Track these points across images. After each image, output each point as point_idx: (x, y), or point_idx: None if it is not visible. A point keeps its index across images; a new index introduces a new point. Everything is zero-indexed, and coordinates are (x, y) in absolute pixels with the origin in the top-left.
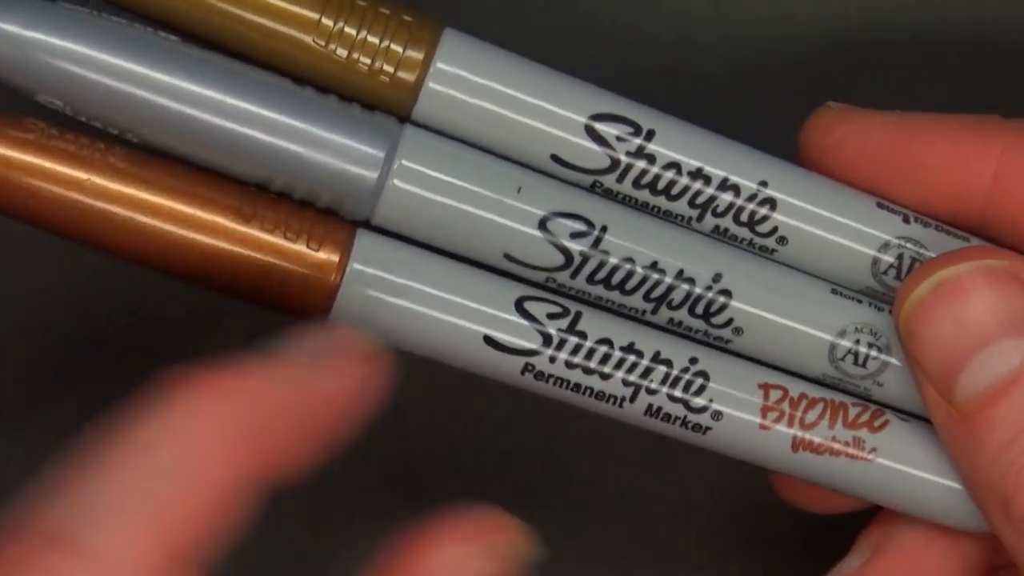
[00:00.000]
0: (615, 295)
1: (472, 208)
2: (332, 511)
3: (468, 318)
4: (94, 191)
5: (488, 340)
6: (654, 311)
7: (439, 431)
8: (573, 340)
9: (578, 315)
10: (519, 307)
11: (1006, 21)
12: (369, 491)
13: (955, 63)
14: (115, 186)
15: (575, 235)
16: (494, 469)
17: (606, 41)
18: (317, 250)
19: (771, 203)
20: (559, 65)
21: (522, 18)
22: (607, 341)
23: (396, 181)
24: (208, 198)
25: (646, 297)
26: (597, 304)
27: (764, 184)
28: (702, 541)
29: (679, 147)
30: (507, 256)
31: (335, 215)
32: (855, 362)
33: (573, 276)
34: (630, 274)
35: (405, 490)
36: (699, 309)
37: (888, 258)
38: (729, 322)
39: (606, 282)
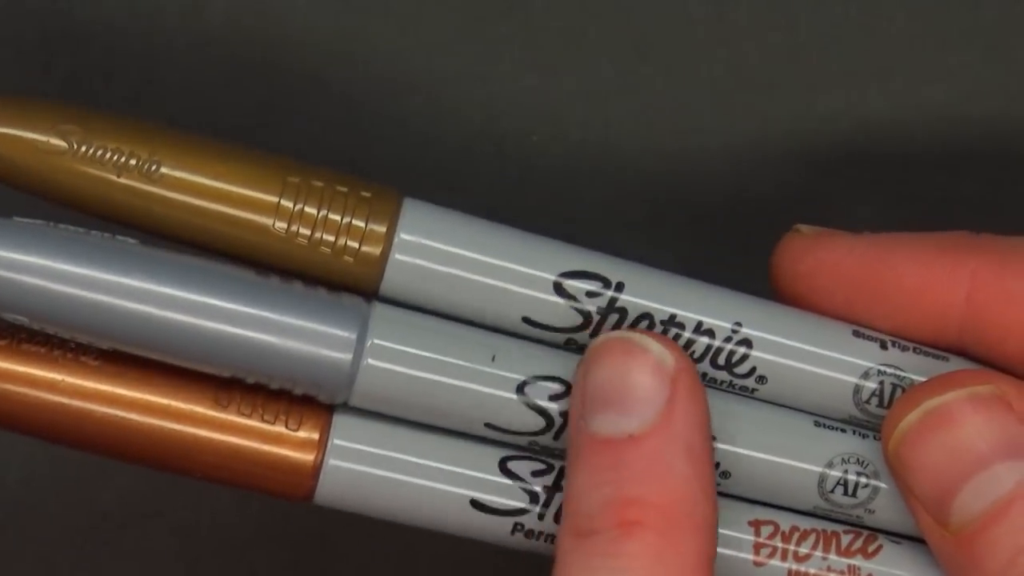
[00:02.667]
0: None
1: (448, 379)
2: (333, 513)
3: (453, 483)
4: (69, 390)
5: (475, 503)
6: None
7: None
8: (560, 496)
9: (562, 470)
10: (503, 467)
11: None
12: None
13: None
14: (89, 384)
15: (553, 397)
16: None
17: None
18: (296, 430)
19: (747, 343)
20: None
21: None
22: None
23: (370, 360)
24: (184, 389)
25: None
26: None
27: (739, 324)
28: None
29: (650, 296)
30: (487, 424)
31: (313, 401)
32: (845, 492)
33: (555, 438)
34: None
35: None
36: None
37: (870, 385)
38: (717, 465)
39: None
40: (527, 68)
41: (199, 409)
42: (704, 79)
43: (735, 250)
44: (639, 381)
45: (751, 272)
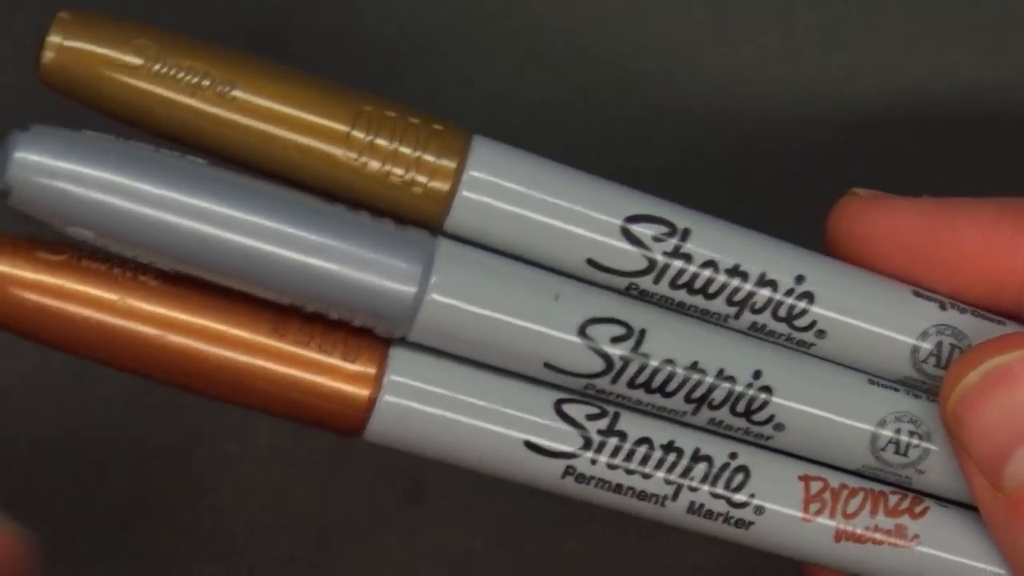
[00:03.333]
0: (656, 398)
1: (511, 318)
2: (333, 512)
3: (507, 424)
4: (127, 311)
5: (529, 445)
6: (695, 412)
7: None
8: (613, 441)
9: (616, 415)
10: (558, 410)
11: None
12: (369, 492)
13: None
14: (147, 306)
15: (615, 340)
16: None
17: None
18: (353, 362)
19: (809, 297)
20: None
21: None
22: (647, 440)
23: (434, 295)
24: (242, 315)
25: (687, 398)
26: (637, 408)
27: (801, 279)
28: None
29: (715, 245)
30: (547, 365)
31: (371, 333)
32: (896, 451)
33: (613, 381)
34: (671, 376)
35: (405, 490)
36: (740, 407)
37: (927, 346)
38: (770, 419)
39: (646, 386)
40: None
41: (256, 337)
42: (703, 78)
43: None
44: None
45: None
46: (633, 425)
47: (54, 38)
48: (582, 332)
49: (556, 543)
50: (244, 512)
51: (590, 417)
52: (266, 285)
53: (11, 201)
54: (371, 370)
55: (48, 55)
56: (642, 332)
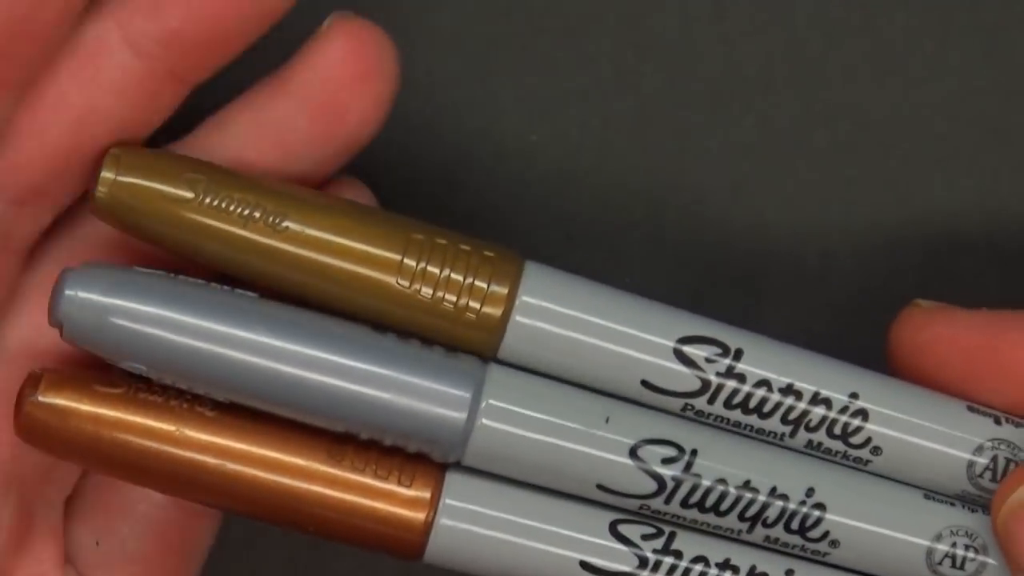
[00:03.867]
0: (710, 517)
1: (562, 442)
2: None
3: (564, 545)
4: (184, 442)
5: (585, 565)
6: (750, 530)
7: None
8: (669, 560)
9: (672, 535)
10: (613, 530)
11: None
12: None
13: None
14: (205, 436)
15: (666, 461)
16: None
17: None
18: (409, 487)
19: (863, 414)
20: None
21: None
22: (703, 559)
23: (484, 420)
24: (298, 442)
25: (741, 516)
26: (692, 527)
27: (855, 396)
28: None
29: (768, 365)
30: (599, 486)
31: (426, 458)
32: (953, 565)
33: (667, 502)
34: (723, 495)
35: None
36: (794, 524)
37: (983, 460)
38: (825, 535)
39: (700, 505)
40: (527, 68)
41: (313, 464)
42: (703, 79)
43: (734, 248)
44: None
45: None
46: (689, 544)
47: (107, 173)
48: (633, 454)
49: None
50: None
51: (645, 537)
52: (319, 414)
53: (64, 336)
54: (426, 494)
55: (101, 190)
56: (694, 452)
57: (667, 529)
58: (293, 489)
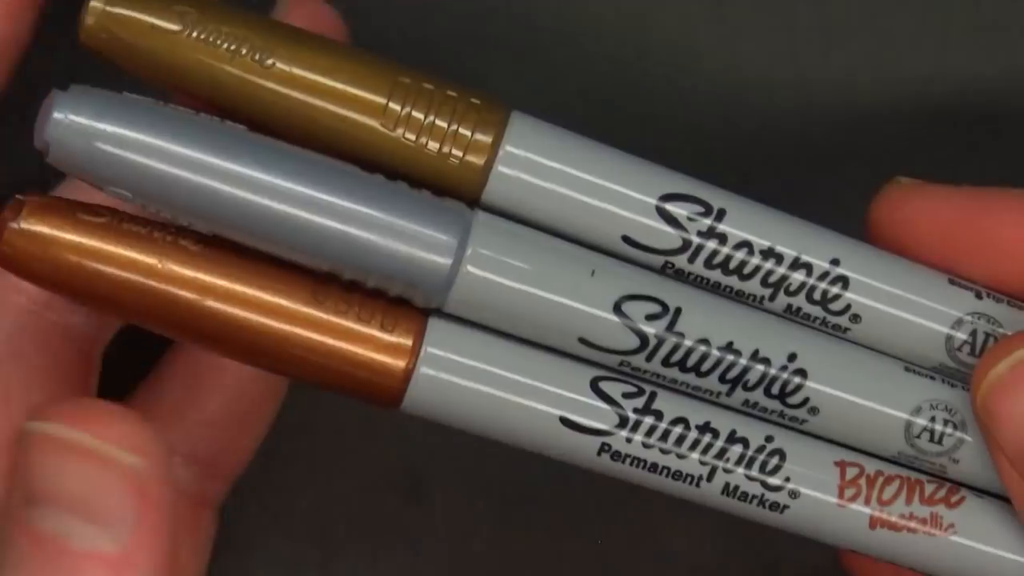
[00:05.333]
0: (690, 377)
1: (546, 293)
2: (333, 513)
3: (544, 400)
4: (166, 275)
5: (564, 421)
6: (729, 392)
7: (440, 432)
8: (649, 420)
9: (653, 395)
10: (595, 387)
11: None
12: (369, 492)
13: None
14: (187, 271)
15: (650, 317)
16: (495, 470)
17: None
18: (391, 332)
19: (843, 281)
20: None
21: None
22: (683, 420)
23: (470, 267)
24: (281, 282)
25: (721, 379)
26: (672, 387)
27: (836, 262)
28: None
29: (750, 226)
30: (581, 340)
31: (408, 303)
32: (931, 439)
33: (648, 359)
34: (705, 356)
35: (405, 491)
36: (775, 390)
37: (962, 335)
38: (805, 402)
39: (681, 364)
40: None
41: (295, 304)
42: (703, 78)
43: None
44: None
45: None
46: (670, 405)
47: (96, 3)
48: (617, 309)
49: (556, 544)
50: (244, 512)
51: (627, 395)
52: (303, 251)
53: (49, 159)
54: (408, 341)
55: (89, 19)
56: (677, 311)
57: (648, 388)
58: (273, 329)
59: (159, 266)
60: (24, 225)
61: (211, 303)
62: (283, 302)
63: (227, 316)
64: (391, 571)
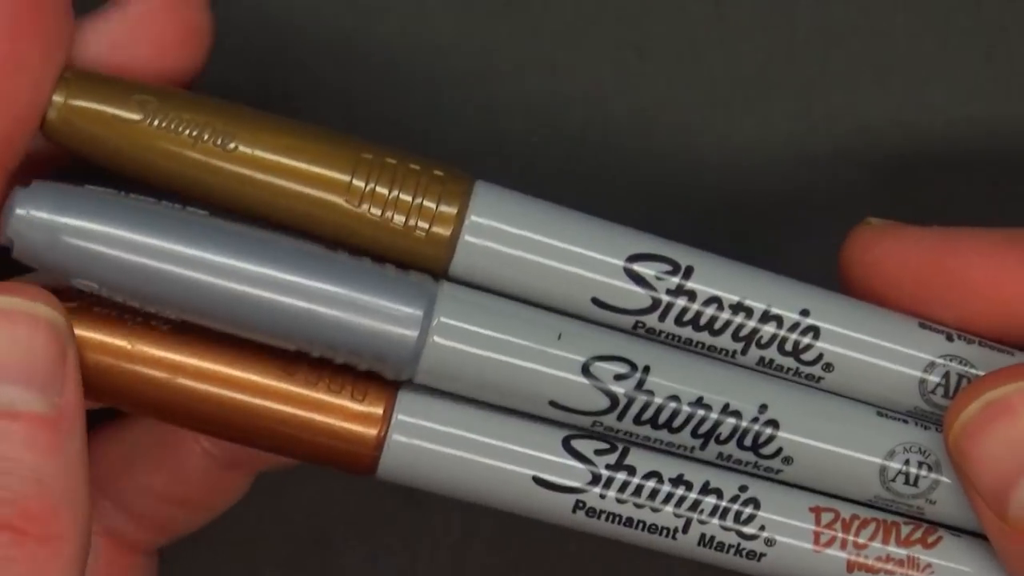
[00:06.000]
0: (663, 434)
1: (514, 359)
2: (333, 513)
3: (516, 461)
4: (138, 357)
5: (538, 481)
6: (703, 447)
7: None
8: (622, 476)
9: (625, 450)
10: (566, 446)
11: None
12: (369, 493)
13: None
14: (158, 351)
15: (618, 377)
16: None
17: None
18: (361, 402)
19: (814, 331)
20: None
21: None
22: (656, 474)
23: (436, 338)
24: (251, 358)
25: (694, 433)
26: (645, 444)
27: (806, 313)
28: None
29: (718, 282)
30: (552, 403)
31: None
32: (906, 482)
33: (620, 418)
34: (676, 412)
35: (406, 491)
36: (747, 441)
37: (934, 378)
38: (778, 452)
39: (653, 421)
40: (527, 68)
41: (266, 379)
42: (704, 79)
43: (734, 249)
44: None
45: None
46: (642, 459)
47: (58, 97)
48: (585, 371)
49: (556, 545)
50: (245, 513)
51: (599, 452)
52: (269, 333)
53: (15, 254)
54: (379, 410)
55: (52, 114)
56: (646, 369)
57: (620, 445)
58: (246, 404)
59: (130, 348)
60: None
61: (182, 381)
62: (254, 377)
63: (199, 393)
64: (391, 572)
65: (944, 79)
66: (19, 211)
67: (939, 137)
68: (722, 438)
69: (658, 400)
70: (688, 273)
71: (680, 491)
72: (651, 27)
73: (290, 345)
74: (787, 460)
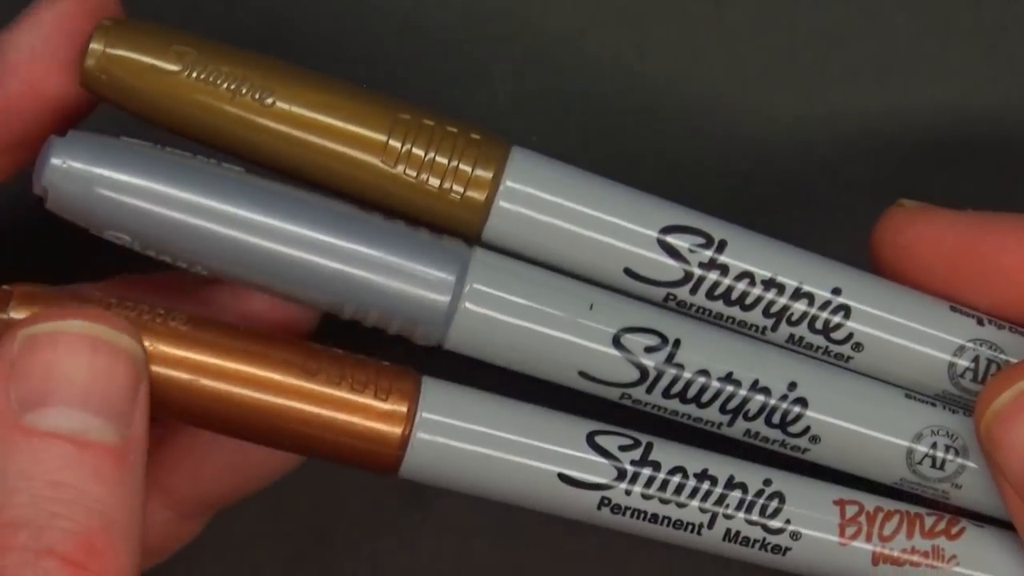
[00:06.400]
0: (691, 408)
1: (545, 328)
2: (334, 513)
3: (541, 458)
4: (158, 358)
5: (563, 477)
6: (731, 423)
7: None
8: (647, 471)
9: (649, 445)
10: (591, 442)
11: None
12: (369, 492)
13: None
14: (178, 351)
15: (649, 350)
16: None
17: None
18: (385, 400)
19: (845, 311)
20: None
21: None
22: (681, 469)
23: (468, 304)
24: (271, 356)
25: (722, 409)
26: (673, 419)
27: (837, 292)
28: None
29: (751, 257)
30: (582, 373)
31: (400, 363)
32: (933, 465)
33: (648, 391)
34: (705, 387)
35: (406, 492)
36: (775, 419)
37: (964, 362)
38: (806, 431)
39: (681, 396)
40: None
41: (287, 378)
42: (704, 79)
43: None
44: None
45: None
46: (666, 454)
47: (96, 45)
48: (616, 342)
49: (556, 545)
50: (245, 513)
51: (623, 448)
52: (302, 291)
53: (48, 205)
54: (402, 408)
55: (90, 62)
56: (676, 342)
57: (644, 440)
58: (268, 404)
59: (150, 349)
60: (13, 315)
61: (205, 382)
62: (276, 376)
63: (221, 394)
64: (391, 572)
65: (944, 79)
66: (55, 160)
67: (939, 137)
68: (750, 415)
69: (687, 374)
70: (721, 247)
71: (705, 485)
72: (651, 27)
73: (321, 304)
74: (814, 439)
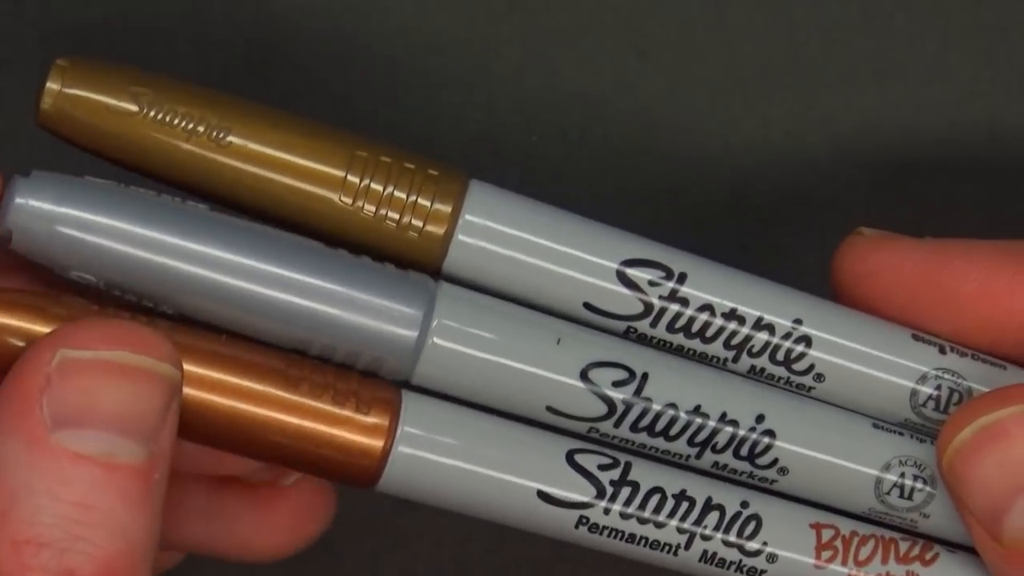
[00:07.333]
0: (659, 441)
1: (513, 362)
2: (334, 514)
3: (521, 474)
4: None
5: (542, 495)
6: (699, 456)
7: None
8: (626, 491)
9: (628, 465)
10: (570, 461)
11: None
12: (369, 493)
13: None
14: None
15: (617, 383)
16: None
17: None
18: (367, 414)
19: (806, 341)
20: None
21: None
22: (659, 490)
23: (436, 339)
24: (253, 365)
25: (690, 442)
26: (641, 452)
27: (798, 322)
28: None
29: (711, 289)
30: (549, 408)
31: (376, 376)
32: (901, 495)
33: (616, 425)
34: (673, 420)
35: None
36: (744, 451)
37: (927, 390)
38: (774, 462)
39: (649, 429)
40: (528, 68)
41: (269, 389)
42: (704, 79)
43: (734, 251)
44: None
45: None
46: (645, 474)
47: (52, 85)
48: (584, 376)
49: (556, 547)
50: None
51: (602, 467)
52: (268, 328)
53: (13, 245)
54: (384, 421)
55: (47, 101)
56: (644, 376)
57: (623, 459)
58: (249, 414)
59: None
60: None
61: (185, 390)
62: (257, 386)
63: (201, 403)
64: (391, 572)
65: (944, 79)
66: (19, 200)
67: (939, 137)
68: (719, 447)
69: (656, 407)
70: (682, 279)
71: (683, 506)
72: (651, 27)
73: (289, 341)
74: (783, 471)
